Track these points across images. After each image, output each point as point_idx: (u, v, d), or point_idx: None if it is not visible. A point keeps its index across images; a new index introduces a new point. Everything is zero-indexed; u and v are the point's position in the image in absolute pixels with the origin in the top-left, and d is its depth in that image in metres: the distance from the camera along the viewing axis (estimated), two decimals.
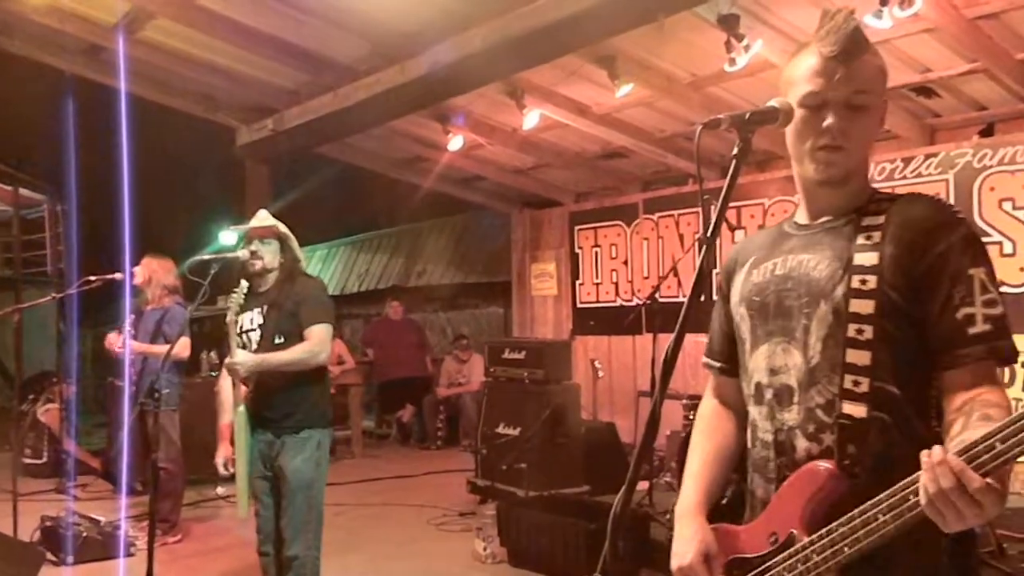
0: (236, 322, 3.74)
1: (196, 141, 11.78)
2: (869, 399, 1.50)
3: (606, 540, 1.49)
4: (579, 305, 9.31)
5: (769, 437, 1.64)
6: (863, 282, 1.52)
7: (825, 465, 1.51)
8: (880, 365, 1.50)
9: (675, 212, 8.29)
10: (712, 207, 1.60)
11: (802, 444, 1.57)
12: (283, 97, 7.68)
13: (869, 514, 1.38)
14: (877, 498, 1.37)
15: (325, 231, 14.36)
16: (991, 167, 6.06)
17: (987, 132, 6.36)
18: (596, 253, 9.12)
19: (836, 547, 1.43)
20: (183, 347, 5.56)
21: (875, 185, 1.71)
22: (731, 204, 6.90)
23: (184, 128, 10.91)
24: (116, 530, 5.45)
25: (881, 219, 1.57)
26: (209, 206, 12.01)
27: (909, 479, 1.33)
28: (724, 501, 5.22)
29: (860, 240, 1.56)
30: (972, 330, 1.46)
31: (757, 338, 1.69)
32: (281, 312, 3.73)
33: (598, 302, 9.08)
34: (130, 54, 6.93)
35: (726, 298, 1.83)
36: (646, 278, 8.45)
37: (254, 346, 3.75)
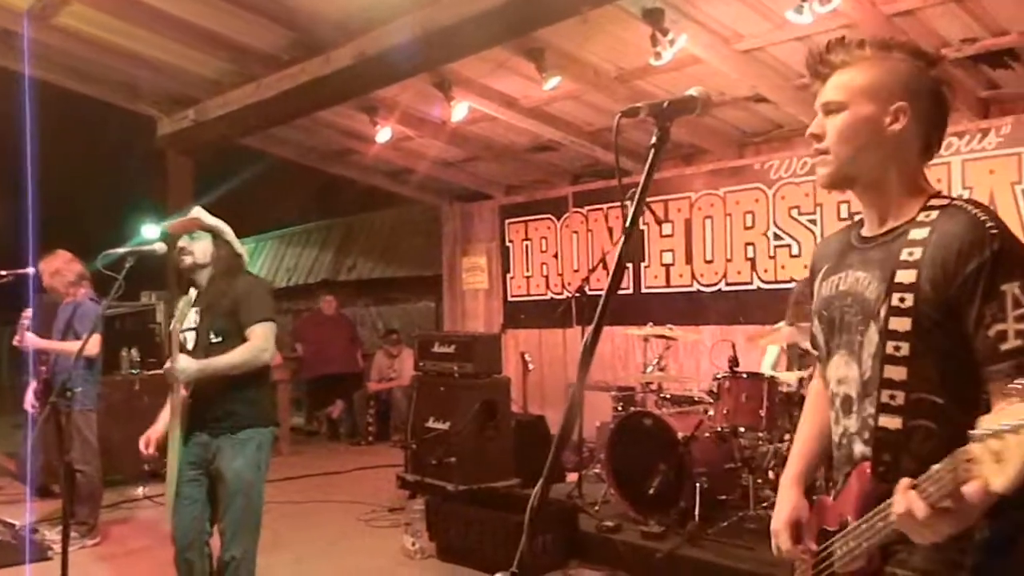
0: (177, 330, 3.58)
1: (117, 132, 11.45)
2: (905, 411, 1.60)
3: (523, 535, 1.47)
4: (510, 298, 9.31)
5: (836, 439, 1.79)
6: (902, 300, 1.60)
7: (863, 469, 1.67)
8: (919, 378, 1.59)
9: (604, 205, 8.34)
10: (631, 199, 1.59)
11: (858, 448, 1.71)
12: (205, 87, 7.49)
13: (874, 519, 1.54)
14: (879, 506, 1.52)
15: (253, 224, 14.08)
16: None
17: None
18: (526, 246, 9.14)
19: (859, 539, 1.60)
20: (92, 344, 5.35)
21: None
22: (659, 197, 6.97)
23: (105, 118, 10.59)
24: (33, 534, 5.28)
25: (926, 232, 1.62)
26: (131, 198, 11.67)
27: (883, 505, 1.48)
28: (651, 491, 5.25)
29: (903, 255, 1.63)
30: (1004, 346, 1.52)
31: (830, 350, 1.81)
32: (217, 311, 3.61)
33: (529, 295, 9.10)
34: (45, 41, 6.69)
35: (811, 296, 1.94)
36: (576, 271, 8.49)
37: (190, 345, 3.62)
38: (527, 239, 9.12)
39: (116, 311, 8.05)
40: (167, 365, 3.49)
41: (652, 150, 1.57)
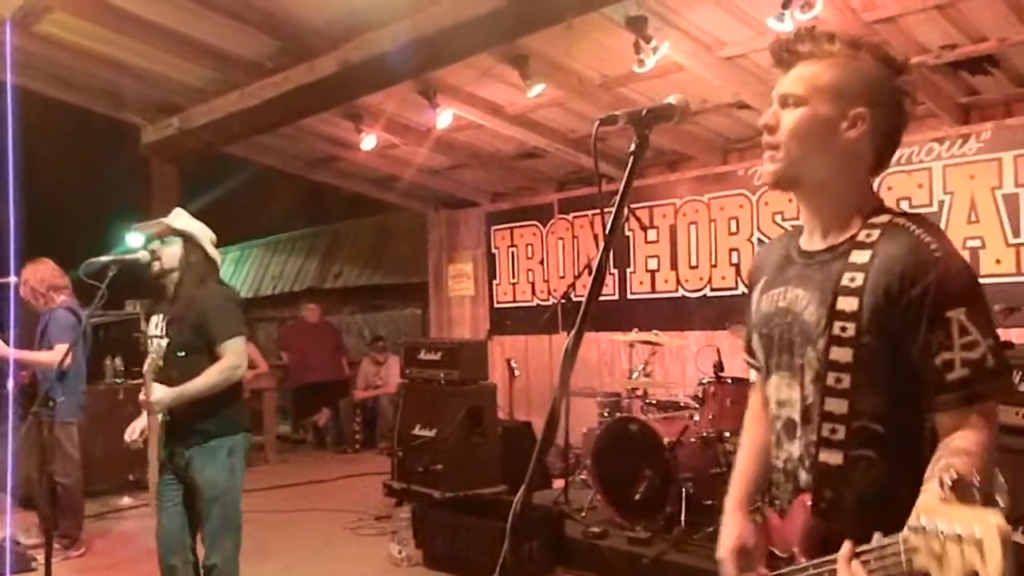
0: (154, 364, 3.50)
1: (101, 139, 11.38)
2: (846, 445, 1.55)
3: (505, 541, 1.48)
4: (496, 305, 9.31)
5: (780, 464, 1.73)
6: (843, 329, 1.54)
7: (808, 504, 1.61)
8: (860, 410, 1.54)
9: (589, 212, 8.36)
10: (611, 206, 1.60)
11: (803, 477, 1.65)
12: (189, 95, 7.47)
13: (822, 570, 1.48)
14: (826, 558, 1.46)
15: (238, 232, 14.03)
16: (889, 167, 6.26)
17: None
18: (512, 253, 9.14)
19: None
20: (57, 355, 5.18)
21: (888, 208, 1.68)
22: (644, 204, 7.00)
23: (87, 126, 10.54)
24: (15, 545, 5.24)
25: (867, 255, 1.56)
26: (115, 207, 11.61)
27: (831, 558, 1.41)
28: (637, 497, 5.24)
29: (845, 280, 1.56)
30: (950, 376, 1.47)
31: (768, 368, 1.76)
32: (183, 324, 3.57)
33: (515, 302, 9.10)
34: (27, 48, 6.64)
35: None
36: (562, 278, 8.50)
37: (160, 353, 3.59)
38: (513, 246, 9.13)
39: (101, 320, 8.01)
40: (142, 397, 3.46)
41: (631, 157, 1.58)
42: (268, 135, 7.98)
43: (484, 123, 7.19)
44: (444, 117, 6.71)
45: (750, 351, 1.87)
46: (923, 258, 1.51)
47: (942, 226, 6.00)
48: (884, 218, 1.61)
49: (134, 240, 9.95)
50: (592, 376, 7.77)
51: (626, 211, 1.71)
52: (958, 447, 1.44)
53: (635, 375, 6.25)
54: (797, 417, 1.65)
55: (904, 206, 6.15)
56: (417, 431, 6.44)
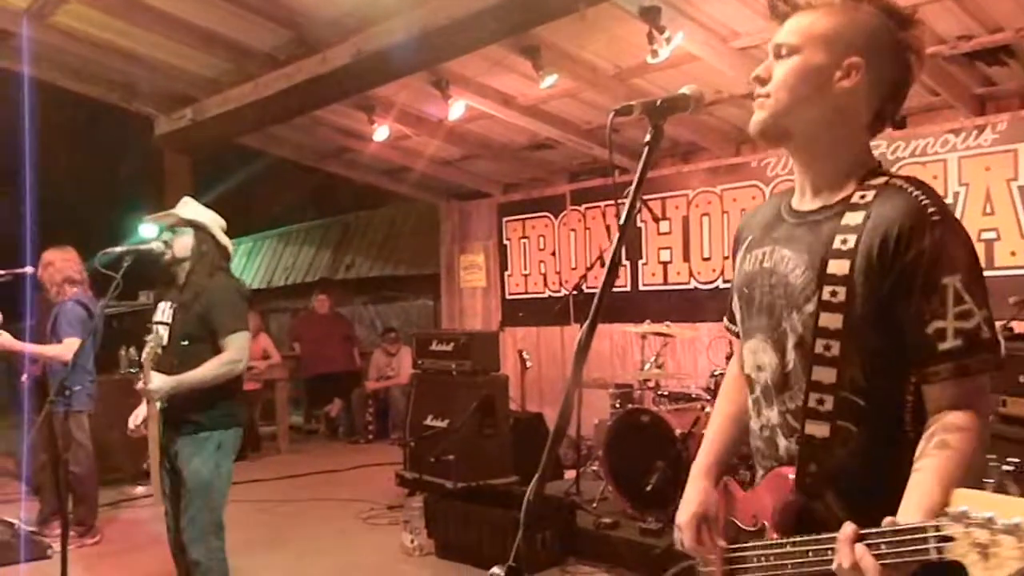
0: (153, 352, 3.52)
1: (114, 130, 11.44)
2: (832, 416, 1.49)
3: (519, 530, 1.48)
4: (508, 296, 9.31)
5: (757, 429, 1.68)
6: (833, 294, 1.47)
7: (787, 477, 1.54)
8: (846, 380, 1.48)
9: (602, 203, 8.35)
10: (625, 199, 1.59)
11: (782, 443, 1.59)
12: (202, 86, 7.49)
13: (806, 548, 1.43)
14: (815, 537, 1.41)
15: (250, 223, 14.08)
16: (904, 158, 6.25)
17: (899, 124, 6.54)
18: (524, 244, 9.14)
19: (783, 561, 1.49)
20: (65, 349, 5.26)
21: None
22: (657, 195, 6.98)
23: (102, 117, 10.59)
24: (31, 532, 5.29)
25: (861, 216, 1.48)
26: (129, 197, 11.67)
27: (832, 536, 1.34)
28: (648, 488, 5.24)
29: (836, 243, 1.49)
30: (943, 346, 1.41)
31: (746, 330, 1.70)
32: (189, 313, 3.59)
33: (527, 293, 9.10)
34: (42, 40, 6.68)
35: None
36: (574, 269, 8.49)
37: (164, 342, 3.62)
38: (525, 237, 9.13)
39: (115, 310, 8.06)
40: (139, 385, 3.47)
41: (646, 148, 1.57)
42: (281, 126, 8.01)
43: (496, 114, 7.18)
44: (456, 108, 6.71)
45: (732, 316, 1.80)
46: (919, 220, 1.43)
47: (958, 217, 5.98)
48: (881, 179, 1.54)
49: (147, 231, 10.01)
50: (604, 367, 7.77)
51: (639, 202, 1.69)
52: (951, 423, 1.39)
53: (647, 366, 6.25)
54: (772, 382, 1.59)
55: None
56: (429, 421, 6.45)
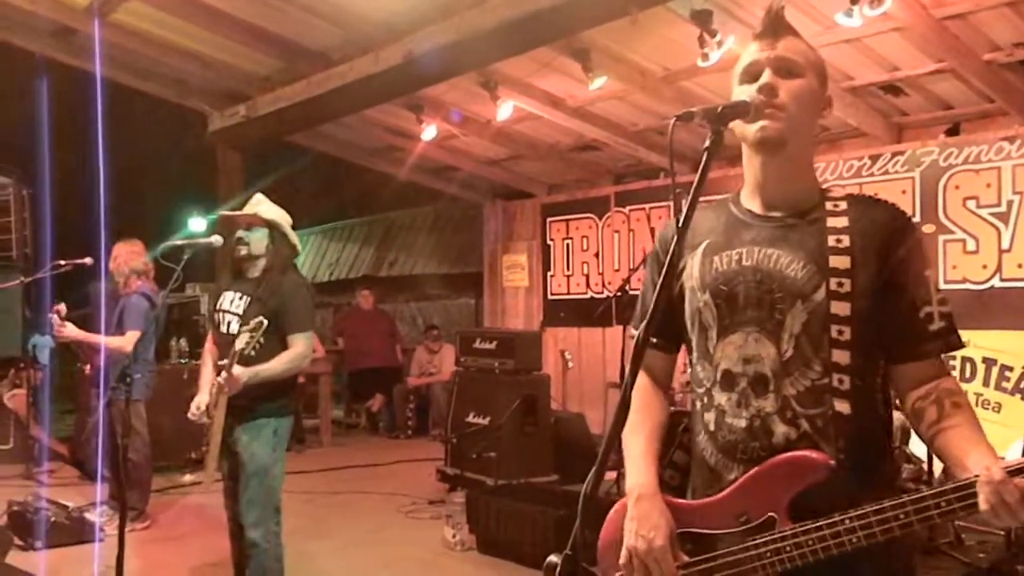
0: (255, 341, 3.62)
1: (167, 126, 11.67)
2: (850, 396, 1.61)
3: (577, 520, 1.51)
4: (550, 296, 9.36)
5: (743, 423, 1.68)
6: (840, 285, 1.61)
7: (817, 456, 1.57)
8: (855, 363, 1.62)
9: (646, 206, 8.36)
10: (683, 200, 1.62)
11: (780, 429, 1.63)
12: (256, 84, 7.64)
13: (889, 513, 1.48)
14: (874, 508, 1.48)
15: (296, 219, 14.14)
16: (956, 165, 6.18)
17: (953, 131, 6.48)
18: (567, 245, 9.18)
19: (841, 538, 1.51)
20: (126, 341, 5.42)
21: (842, 182, 1.79)
22: (705, 198, 6.96)
23: (155, 113, 10.81)
24: (85, 516, 5.43)
25: (845, 220, 1.66)
26: (180, 192, 11.90)
27: (942, 490, 1.45)
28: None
29: (831, 242, 1.65)
30: (932, 327, 1.63)
31: (724, 327, 1.72)
32: (264, 307, 3.70)
33: (569, 294, 9.14)
34: (102, 37, 6.86)
35: (671, 275, 1.73)
36: (617, 270, 8.51)
37: (233, 328, 3.73)
38: (568, 238, 9.16)
39: (167, 302, 8.23)
40: (223, 375, 3.56)
41: (706, 153, 1.60)
42: (331, 124, 8.13)
43: (543, 115, 7.23)
44: (505, 109, 6.76)
45: (695, 318, 1.79)
46: (903, 224, 1.67)
47: (1011, 226, 5.89)
48: (840, 192, 1.74)
49: (196, 224, 10.19)
50: None
51: (695, 206, 1.72)
52: (950, 387, 1.61)
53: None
54: (769, 372, 1.65)
55: (971, 205, 6.07)
56: (471, 419, 6.52)
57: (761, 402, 1.66)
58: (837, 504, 1.52)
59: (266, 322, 3.61)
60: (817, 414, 1.61)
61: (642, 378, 1.92)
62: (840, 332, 1.61)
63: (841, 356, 1.61)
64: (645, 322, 1.52)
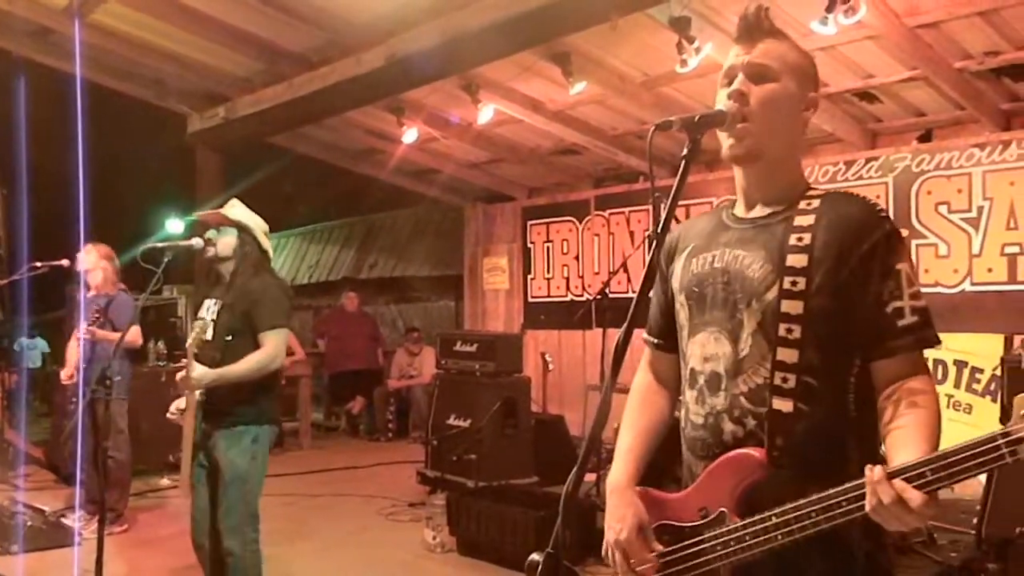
0: (198, 340, 3.57)
1: (146, 127, 11.59)
2: (795, 394, 1.59)
3: (558, 519, 1.54)
4: (530, 299, 9.40)
5: (700, 420, 1.73)
6: (794, 283, 1.60)
7: (756, 454, 1.61)
8: (804, 361, 1.59)
9: (625, 209, 8.42)
10: (662, 205, 1.67)
11: (728, 427, 1.67)
12: (236, 85, 7.63)
13: (803, 511, 1.48)
14: (813, 497, 1.48)
15: (276, 221, 14.13)
16: (928, 171, 6.29)
17: (925, 138, 6.58)
18: (548, 248, 9.22)
19: (769, 534, 1.53)
20: (136, 335, 5.53)
21: (818, 187, 1.80)
22: (682, 202, 7.02)
23: (133, 113, 10.74)
24: (62, 520, 5.40)
25: (812, 219, 1.64)
26: (159, 194, 11.83)
27: (845, 488, 1.44)
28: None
29: (792, 240, 1.64)
30: (902, 322, 1.57)
31: (694, 326, 1.77)
32: (234, 311, 3.66)
33: (549, 296, 9.18)
34: (81, 38, 6.83)
35: (665, 278, 1.89)
36: (596, 273, 8.56)
37: (208, 336, 3.70)
38: (548, 241, 9.21)
39: (144, 304, 8.19)
40: (182, 375, 3.54)
41: (683, 160, 1.64)
42: (312, 126, 8.13)
43: (524, 119, 7.27)
44: (485, 112, 6.79)
45: (649, 328, 1.93)
46: (871, 216, 1.62)
47: (981, 232, 5.97)
48: (821, 190, 1.73)
49: (173, 226, 10.11)
50: (626, 372, 7.75)
51: (674, 212, 1.77)
52: (915, 387, 1.55)
53: None
54: (722, 370, 1.68)
55: (943, 211, 6.16)
56: (452, 421, 6.54)
57: (714, 400, 1.70)
58: (782, 502, 1.52)
59: (209, 326, 3.59)
60: (763, 412, 1.62)
61: (646, 377, 1.99)
62: (789, 330, 1.59)
63: (788, 355, 1.59)
64: (624, 325, 1.57)
